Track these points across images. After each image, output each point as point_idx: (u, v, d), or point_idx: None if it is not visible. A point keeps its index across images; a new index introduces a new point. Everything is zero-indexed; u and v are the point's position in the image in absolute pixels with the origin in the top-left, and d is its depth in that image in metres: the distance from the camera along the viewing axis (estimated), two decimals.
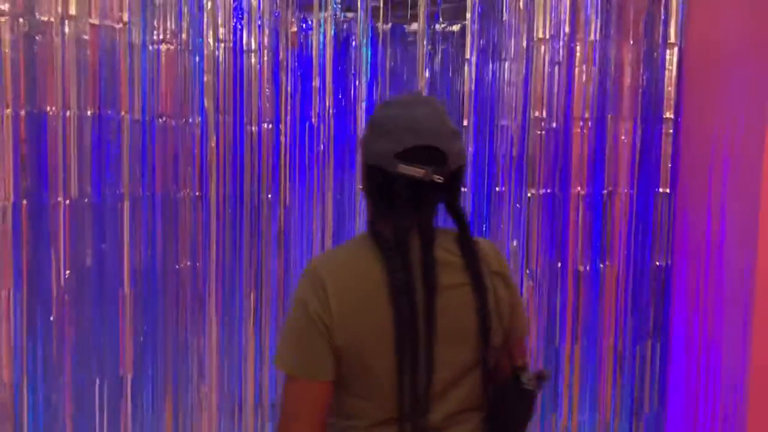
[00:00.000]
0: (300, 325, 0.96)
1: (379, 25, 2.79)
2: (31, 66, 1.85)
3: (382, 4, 2.72)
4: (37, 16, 1.84)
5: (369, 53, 2.70)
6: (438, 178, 0.97)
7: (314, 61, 2.43)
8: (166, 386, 2.11)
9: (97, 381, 1.97)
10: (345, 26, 2.90)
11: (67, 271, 1.90)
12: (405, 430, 0.96)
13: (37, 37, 1.87)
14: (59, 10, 1.85)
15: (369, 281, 0.97)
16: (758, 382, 1.77)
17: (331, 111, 2.44)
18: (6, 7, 1.80)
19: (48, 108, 1.85)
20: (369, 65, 2.68)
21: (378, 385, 0.98)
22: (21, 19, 1.81)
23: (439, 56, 3.72)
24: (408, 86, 3.30)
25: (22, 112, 1.84)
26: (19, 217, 1.85)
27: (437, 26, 3.19)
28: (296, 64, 2.42)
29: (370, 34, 2.71)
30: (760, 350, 1.75)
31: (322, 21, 2.43)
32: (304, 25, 2.52)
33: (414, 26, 3.14)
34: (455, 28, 3.46)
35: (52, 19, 1.84)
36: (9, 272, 1.87)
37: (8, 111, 1.83)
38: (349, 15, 3.05)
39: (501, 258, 1.11)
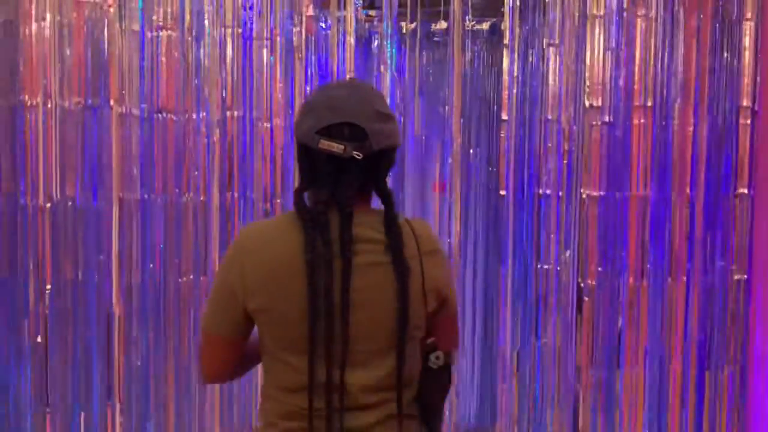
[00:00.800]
0: (218, 290, 1.09)
1: (404, 24, 2.58)
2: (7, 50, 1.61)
3: (409, 2, 2.49)
4: None
5: (394, 52, 2.46)
6: (357, 155, 1.01)
7: (333, 58, 2.19)
8: (167, 419, 1.84)
9: (82, 413, 1.69)
10: (367, 25, 2.67)
11: (48, 286, 1.64)
12: (313, 399, 1.02)
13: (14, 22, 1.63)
14: None
15: (286, 253, 1.03)
16: None
17: None
18: None
19: (26, 99, 1.60)
20: (394, 65, 2.44)
21: (295, 351, 1.04)
22: None
23: (469, 55, 3.45)
24: (435, 86, 3.06)
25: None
26: None
27: (466, 24, 2.95)
28: (312, 53, 2.18)
29: (395, 33, 2.47)
30: None
31: (342, 19, 2.18)
32: (323, 25, 2.29)
33: (441, 24, 2.92)
34: (485, 26, 3.22)
35: None
36: None
37: None
38: (372, 13, 2.82)
39: (434, 238, 1.15)
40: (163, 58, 1.86)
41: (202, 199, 1.93)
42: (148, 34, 1.84)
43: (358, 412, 1.06)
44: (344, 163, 1.02)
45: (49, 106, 1.63)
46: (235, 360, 1.11)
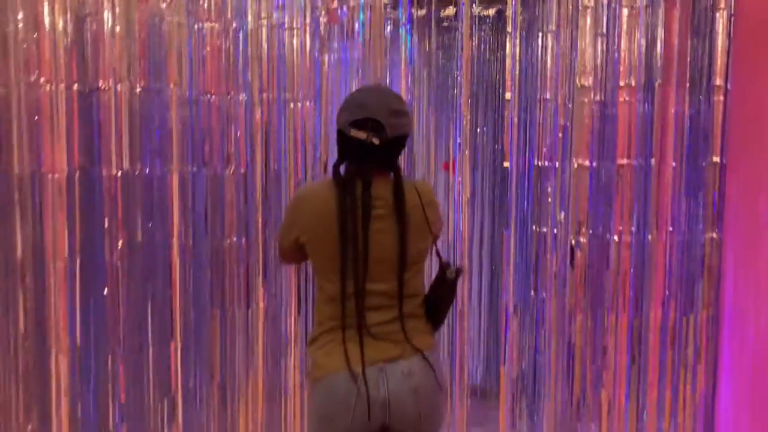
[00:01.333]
0: (284, 222, 1.59)
1: (415, 11, 2.81)
2: (83, 44, 1.90)
3: None
4: None
5: (407, 38, 2.70)
6: (375, 141, 1.44)
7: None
8: (212, 359, 2.15)
9: (150, 351, 2.00)
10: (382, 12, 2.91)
11: (120, 243, 1.94)
12: (346, 291, 1.46)
13: (88, 18, 1.91)
14: None
15: (326, 206, 1.47)
16: None
17: None
18: None
19: (100, 84, 1.89)
20: (407, 50, 2.68)
21: (332, 272, 1.48)
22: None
23: (476, 40, 3.70)
24: (443, 69, 3.30)
25: (75, 87, 1.89)
26: (72, 189, 1.90)
27: (473, 10, 3.17)
28: (336, 42, 2.44)
29: (408, 22, 2.71)
30: None
31: (361, 5, 2.43)
32: (340, 11, 2.53)
33: (449, 11, 3.15)
34: (491, 12, 3.45)
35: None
36: (64, 245, 1.92)
37: (62, 86, 1.88)
38: (386, 0, 3.06)
39: (432, 193, 1.62)
40: (208, 48, 2.14)
41: (242, 171, 2.22)
42: (195, 26, 2.12)
43: (373, 312, 1.48)
44: (367, 146, 1.45)
45: (119, 89, 1.92)
46: (292, 260, 1.71)
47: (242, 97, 2.18)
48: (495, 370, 2.96)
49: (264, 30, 2.24)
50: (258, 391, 2.16)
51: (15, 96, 1.87)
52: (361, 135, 1.45)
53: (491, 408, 2.60)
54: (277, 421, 2.24)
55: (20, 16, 1.85)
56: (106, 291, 1.96)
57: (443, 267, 1.59)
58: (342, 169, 1.50)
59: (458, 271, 1.59)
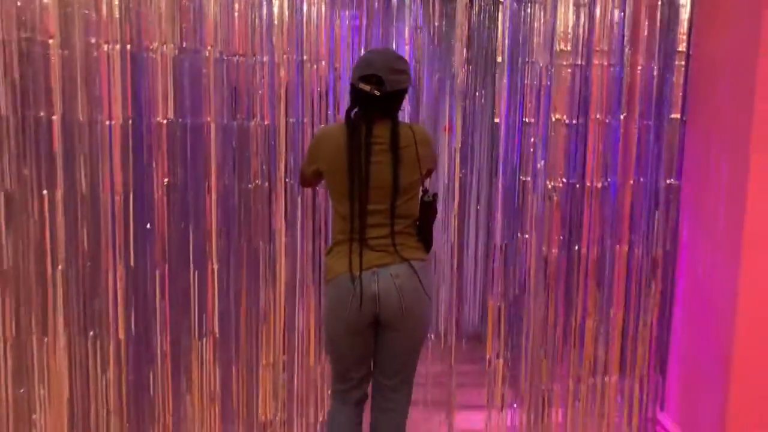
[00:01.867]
0: (307, 155, 2.02)
1: None
2: (134, 11, 2.23)
3: None
4: None
5: (412, 6, 2.98)
6: (376, 92, 1.85)
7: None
8: (239, 284, 2.53)
9: (190, 272, 2.39)
10: None
11: (166, 180, 2.31)
12: (354, 211, 1.90)
13: None
14: None
15: (339, 142, 1.89)
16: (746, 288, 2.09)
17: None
18: None
19: (147, 45, 2.24)
20: (411, 18, 2.95)
21: (343, 196, 1.91)
22: None
23: (476, 8, 3.99)
24: (446, 36, 3.59)
25: (128, 48, 2.24)
26: (126, 135, 2.27)
27: None
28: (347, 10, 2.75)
29: None
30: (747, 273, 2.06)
31: None
32: None
33: None
34: None
35: None
36: (119, 181, 2.30)
37: (117, 48, 2.23)
38: None
39: (426, 134, 2.03)
40: (237, 15, 2.46)
41: (266, 123, 2.57)
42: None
43: (372, 228, 1.92)
44: (371, 97, 1.85)
45: (164, 49, 2.26)
46: (309, 185, 2.16)
47: (266, 58, 2.51)
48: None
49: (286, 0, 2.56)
50: (280, 310, 2.55)
51: (78, 57, 2.22)
52: (366, 87, 1.85)
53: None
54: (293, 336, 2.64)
55: None
56: (154, 221, 2.34)
57: (423, 192, 2.02)
58: (353, 114, 1.91)
59: (434, 196, 2.02)
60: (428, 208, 2.02)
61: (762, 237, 2.12)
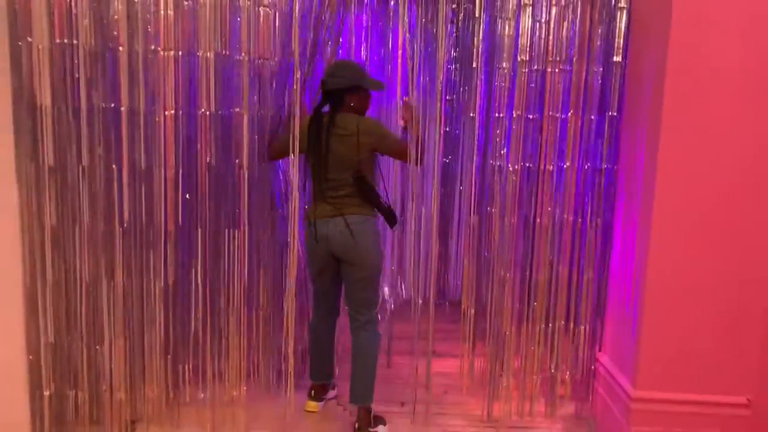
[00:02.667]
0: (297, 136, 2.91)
1: None
2: (184, 22, 2.85)
3: None
4: None
5: (405, 11, 3.58)
6: (327, 89, 2.96)
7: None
8: (259, 242, 3.17)
9: (226, 233, 3.03)
10: None
11: (208, 159, 2.94)
12: (318, 178, 2.95)
13: (185, 2, 2.85)
14: None
15: (309, 128, 2.91)
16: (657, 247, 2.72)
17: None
18: None
19: (198, 51, 2.86)
20: (406, 24, 3.55)
21: (314, 166, 2.96)
22: None
23: (463, 14, 4.61)
24: (435, 38, 4.19)
25: (180, 53, 2.86)
26: (176, 123, 2.90)
27: None
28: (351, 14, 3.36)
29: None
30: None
31: None
32: None
33: None
34: None
35: None
36: (171, 160, 2.92)
37: (171, 53, 2.84)
38: None
39: (372, 126, 2.95)
40: (263, 24, 3.07)
41: (285, 114, 3.19)
42: (258, 9, 3.05)
43: (330, 191, 2.94)
44: (325, 93, 2.94)
45: (208, 55, 2.88)
46: (278, 157, 3.11)
47: (285, 59, 3.13)
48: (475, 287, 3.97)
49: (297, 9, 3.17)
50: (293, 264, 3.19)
51: (140, 59, 2.84)
52: (322, 84, 2.94)
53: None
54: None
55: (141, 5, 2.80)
56: (197, 192, 2.98)
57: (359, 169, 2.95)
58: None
59: (388, 207, 3.03)
60: (361, 182, 2.91)
61: (668, 211, 2.75)
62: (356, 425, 3.04)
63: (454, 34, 4.49)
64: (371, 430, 3.05)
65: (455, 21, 4.40)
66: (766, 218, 2.73)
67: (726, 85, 2.66)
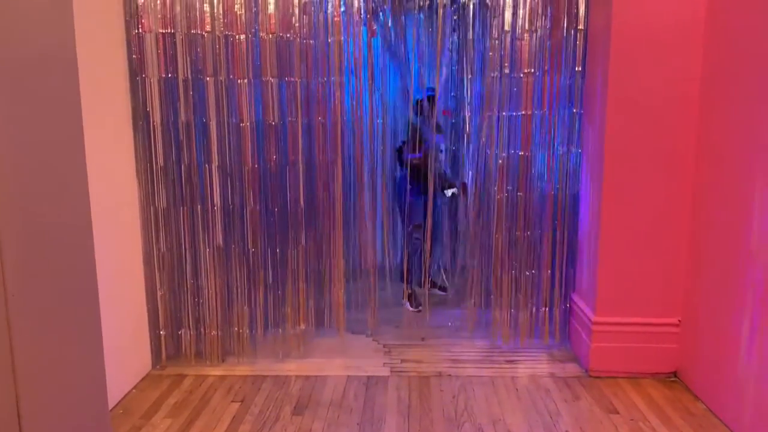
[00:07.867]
0: None
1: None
2: (254, 53, 3.89)
3: None
4: None
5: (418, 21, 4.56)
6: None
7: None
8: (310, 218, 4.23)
9: (287, 206, 4.09)
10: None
11: (274, 156, 3.99)
12: None
13: (251, 33, 3.88)
14: None
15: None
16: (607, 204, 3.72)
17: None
18: None
19: (263, 77, 3.90)
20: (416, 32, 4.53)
21: None
22: None
23: (464, 20, 5.52)
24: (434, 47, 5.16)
25: (249, 78, 3.90)
26: (253, 131, 3.95)
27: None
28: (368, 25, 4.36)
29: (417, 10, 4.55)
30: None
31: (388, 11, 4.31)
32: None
33: None
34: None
35: None
36: (249, 158, 3.97)
37: (244, 81, 3.88)
38: None
39: None
40: (304, 52, 4.09)
41: (323, 121, 4.21)
42: (329, 10, 4.06)
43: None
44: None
45: (271, 80, 3.91)
46: None
47: (326, 79, 4.15)
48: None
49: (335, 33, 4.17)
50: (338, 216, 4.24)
51: (224, 86, 3.88)
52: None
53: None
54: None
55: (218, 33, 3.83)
56: (268, 182, 4.03)
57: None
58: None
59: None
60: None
61: (613, 182, 3.74)
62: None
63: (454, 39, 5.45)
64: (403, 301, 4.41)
65: (457, 31, 5.33)
66: (680, 174, 3.72)
67: (655, 95, 3.64)
